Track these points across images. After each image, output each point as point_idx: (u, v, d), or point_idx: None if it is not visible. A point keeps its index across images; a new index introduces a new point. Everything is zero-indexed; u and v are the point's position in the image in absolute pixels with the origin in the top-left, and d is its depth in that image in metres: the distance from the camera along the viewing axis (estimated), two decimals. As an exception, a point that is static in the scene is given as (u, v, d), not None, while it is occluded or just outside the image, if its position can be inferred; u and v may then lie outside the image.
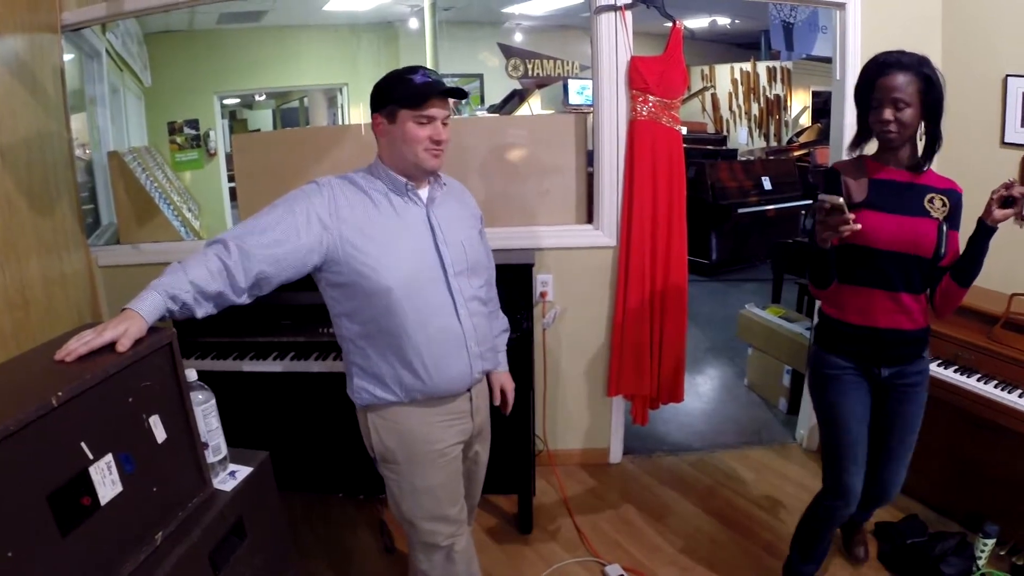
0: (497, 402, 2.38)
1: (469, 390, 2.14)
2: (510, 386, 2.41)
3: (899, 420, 2.36)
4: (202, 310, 1.72)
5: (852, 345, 2.27)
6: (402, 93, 1.90)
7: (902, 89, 2.02)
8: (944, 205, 2.12)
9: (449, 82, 1.99)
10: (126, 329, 1.51)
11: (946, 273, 2.15)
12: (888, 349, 2.24)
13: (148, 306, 1.59)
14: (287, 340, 3.05)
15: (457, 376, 2.04)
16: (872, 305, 2.19)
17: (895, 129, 2.06)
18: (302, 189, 1.93)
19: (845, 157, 2.27)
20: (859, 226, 1.87)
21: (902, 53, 2.05)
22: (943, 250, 2.11)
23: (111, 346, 1.48)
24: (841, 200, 1.85)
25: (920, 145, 2.17)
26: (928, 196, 2.13)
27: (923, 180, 2.16)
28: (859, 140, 2.23)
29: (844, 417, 2.34)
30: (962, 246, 2.16)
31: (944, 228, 2.11)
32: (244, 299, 1.81)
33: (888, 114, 2.04)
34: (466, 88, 8.59)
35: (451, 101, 1.99)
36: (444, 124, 1.95)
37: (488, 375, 2.32)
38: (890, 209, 1.87)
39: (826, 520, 2.52)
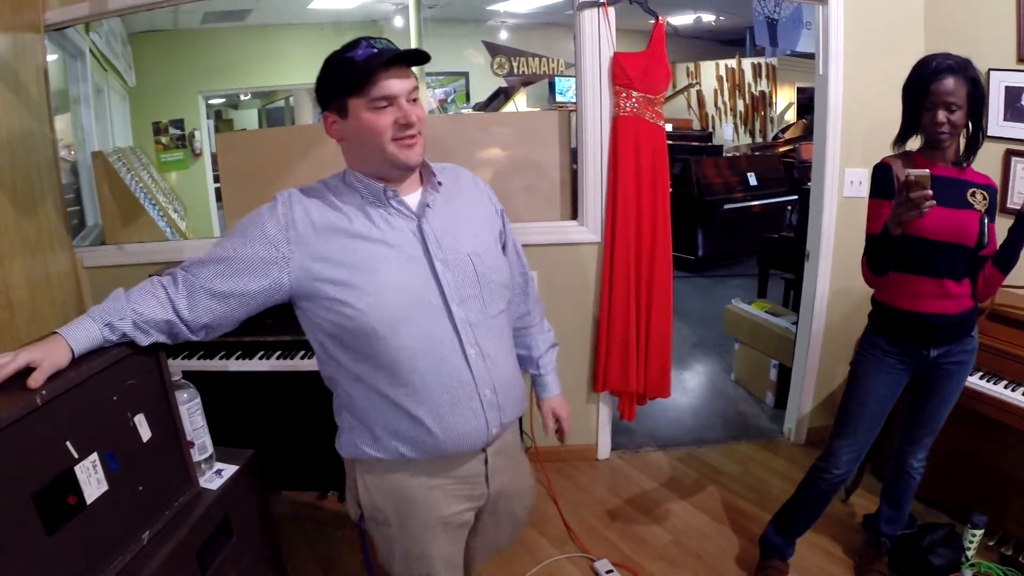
0: (550, 432, 2.06)
1: (484, 450, 1.71)
2: (564, 412, 2.05)
3: (937, 395, 2.48)
4: (148, 339, 1.52)
5: (902, 329, 2.37)
6: (345, 76, 1.47)
7: (954, 93, 2.13)
8: (985, 199, 2.25)
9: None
10: (44, 358, 1.36)
11: (987, 261, 2.29)
12: (936, 331, 2.34)
13: (79, 334, 1.44)
14: (273, 339, 3.05)
15: (468, 433, 1.61)
16: (920, 291, 2.30)
17: (948, 131, 2.17)
18: (258, 212, 1.56)
19: (891, 153, 2.37)
20: (934, 202, 1.94)
21: (948, 56, 2.16)
22: (985, 240, 2.24)
23: (26, 376, 1.34)
24: (927, 172, 1.92)
25: (962, 143, 2.29)
26: (970, 190, 2.25)
27: (965, 176, 2.27)
28: (904, 136, 2.33)
29: (865, 391, 2.47)
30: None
31: (985, 220, 2.24)
32: (201, 335, 1.58)
33: (942, 116, 2.15)
34: (451, 87, 8.57)
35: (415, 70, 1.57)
36: (412, 100, 1.51)
37: (538, 401, 2.04)
38: (939, 202, 1.97)
39: (808, 485, 2.64)
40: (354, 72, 1.45)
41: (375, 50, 1.46)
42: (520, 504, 1.93)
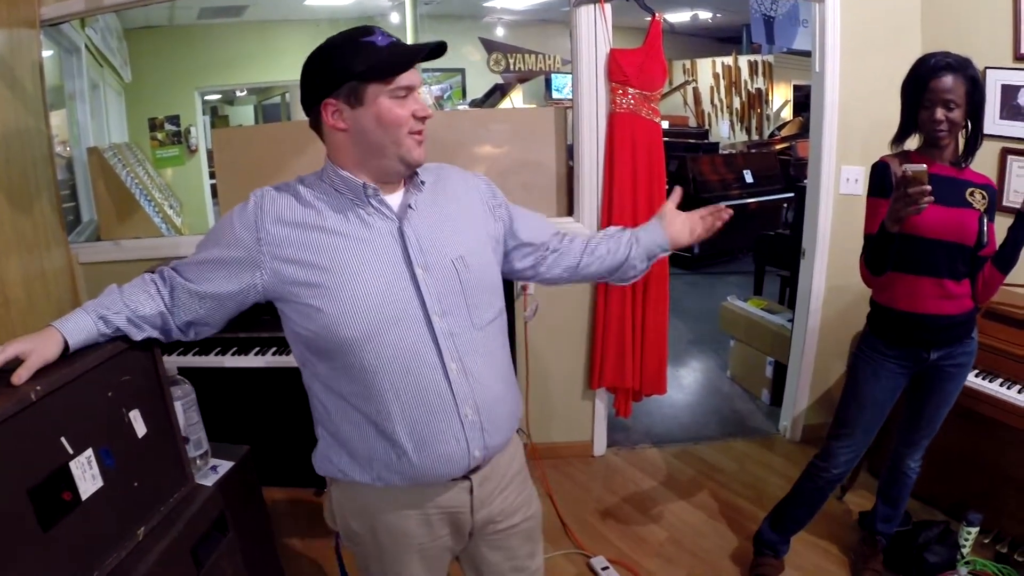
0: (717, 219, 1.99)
1: (467, 477, 1.58)
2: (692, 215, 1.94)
3: (937, 397, 2.48)
4: (141, 334, 1.51)
5: (902, 330, 2.36)
6: (367, 62, 1.36)
7: (953, 90, 2.13)
8: (984, 198, 2.24)
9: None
10: (32, 350, 1.36)
11: (986, 261, 2.27)
12: (936, 333, 2.33)
13: (74, 326, 1.45)
14: (268, 335, 3.05)
15: (447, 456, 1.49)
16: (918, 291, 2.29)
17: (946, 128, 2.17)
18: (231, 213, 1.51)
19: (890, 152, 2.37)
20: (932, 198, 1.94)
21: (947, 55, 2.16)
22: (985, 239, 2.23)
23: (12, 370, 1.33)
24: (925, 167, 1.91)
25: (960, 143, 2.29)
26: (969, 190, 2.24)
27: (964, 175, 2.27)
28: (903, 135, 2.33)
29: (863, 395, 2.47)
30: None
31: (984, 219, 2.23)
32: (191, 335, 1.57)
33: (940, 114, 2.15)
34: (447, 83, 8.54)
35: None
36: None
37: (669, 239, 1.91)
38: (937, 201, 1.97)
39: (805, 482, 2.65)
40: (384, 58, 1.37)
41: (395, 39, 1.40)
42: (525, 511, 1.77)
